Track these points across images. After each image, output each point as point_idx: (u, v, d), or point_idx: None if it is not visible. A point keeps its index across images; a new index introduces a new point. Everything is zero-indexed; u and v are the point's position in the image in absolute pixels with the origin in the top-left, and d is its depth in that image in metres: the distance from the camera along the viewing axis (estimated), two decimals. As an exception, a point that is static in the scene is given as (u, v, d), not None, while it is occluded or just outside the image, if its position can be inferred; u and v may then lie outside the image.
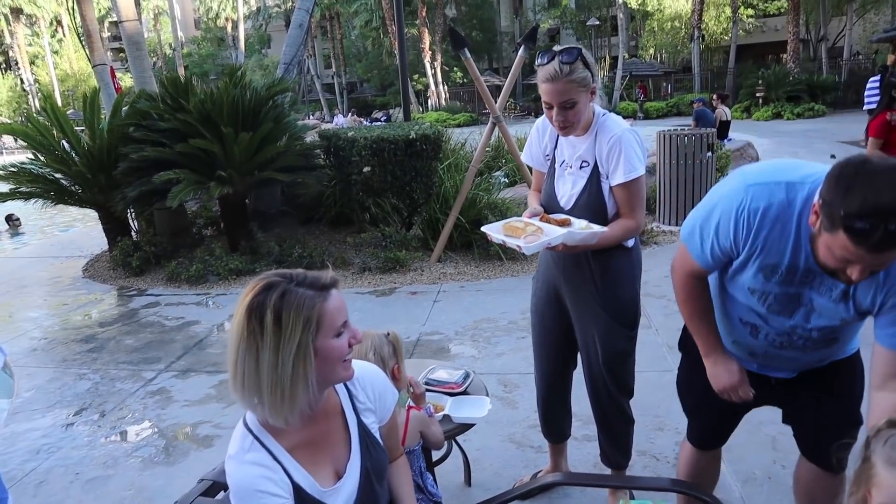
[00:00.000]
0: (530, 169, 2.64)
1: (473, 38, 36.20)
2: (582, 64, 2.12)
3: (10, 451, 3.35)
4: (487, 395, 2.57)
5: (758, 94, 23.24)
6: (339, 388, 1.46)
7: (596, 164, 2.25)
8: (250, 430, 1.31)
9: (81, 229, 10.45)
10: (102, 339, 4.97)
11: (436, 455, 2.73)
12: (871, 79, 13.06)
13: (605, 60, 33.65)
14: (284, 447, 1.31)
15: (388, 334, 2.08)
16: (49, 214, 10.89)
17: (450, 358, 4.22)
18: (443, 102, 32.06)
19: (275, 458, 1.30)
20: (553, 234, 2.11)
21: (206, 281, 6.23)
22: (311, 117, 26.70)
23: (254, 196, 7.67)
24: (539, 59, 2.16)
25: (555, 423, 2.71)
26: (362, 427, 1.47)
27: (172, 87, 6.34)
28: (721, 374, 1.84)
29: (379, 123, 19.77)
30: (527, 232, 2.17)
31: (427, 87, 33.66)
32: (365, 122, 24.47)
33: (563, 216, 2.24)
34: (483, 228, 2.40)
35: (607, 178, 2.25)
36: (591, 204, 2.27)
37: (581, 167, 2.29)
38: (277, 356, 1.21)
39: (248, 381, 1.24)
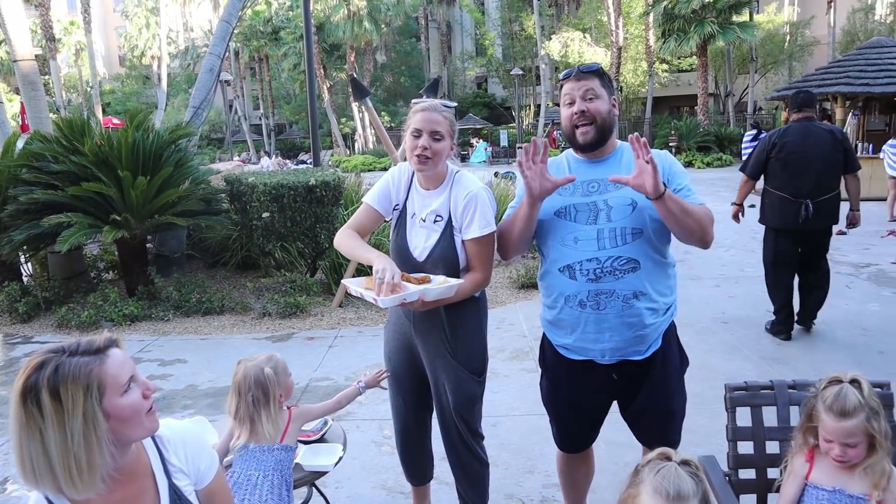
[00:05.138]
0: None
1: (402, 83, 36.82)
2: (454, 117, 2.34)
3: None
4: (345, 441, 2.60)
5: (671, 144, 24.45)
6: (150, 448, 1.44)
7: (450, 218, 2.36)
8: (50, 501, 1.28)
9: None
10: (-25, 390, 4.73)
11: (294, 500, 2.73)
12: (752, 133, 14.07)
13: (529, 108, 34.79)
14: None
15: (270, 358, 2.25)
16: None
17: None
18: (370, 146, 32.30)
19: None
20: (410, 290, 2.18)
21: (99, 327, 6.02)
22: (235, 158, 26.34)
23: (158, 239, 7.52)
24: (417, 99, 2.39)
25: (415, 467, 2.76)
26: (174, 489, 1.44)
27: (68, 129, 6.21)
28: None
29: (304, 165, 19.72)
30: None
31: (354, 130, 33.89)
32: (290, 164, 24.37)
33: (422, 275, 2.31)
34: (344, 281, 2.46)
35: (460, 231, 2.36)
36: (445, 257, 2.36)
37: (435, 221, 2.38)
38: (64, 431, 1.19)
39: (39, 466, 1.21)
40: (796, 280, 5.16)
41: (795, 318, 5.17)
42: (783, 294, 5.09)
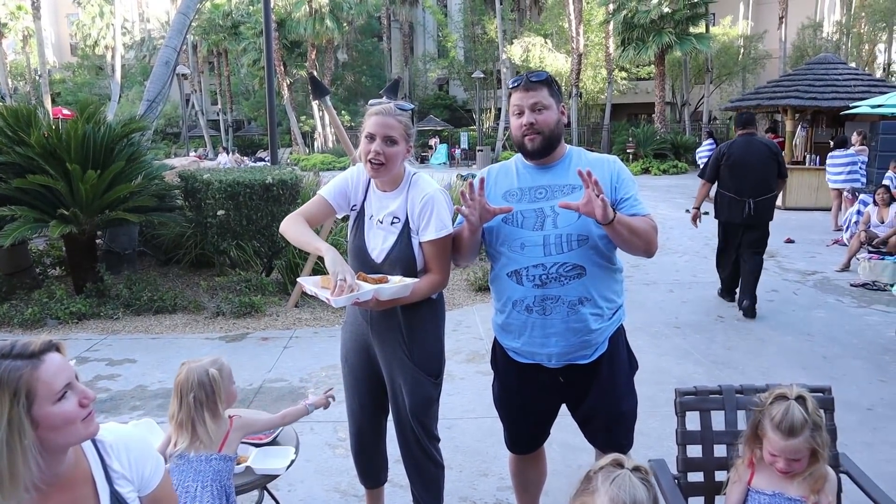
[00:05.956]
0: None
1: (363, 83, 36.59)
2: (410, 120, 2.32)
3: None
4: (298, 444, 2.57)
5: (629, 151, 24.88)
6: (91, 453, 1.39)
7: (407, 220, 2.35)
8: None
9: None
10: None
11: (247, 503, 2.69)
12: (707, 142, 14.46)
13: (490, 111, 34.96)
14: None
15: (215, 361, 2.20)
16: None
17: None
18: (329, 145, 32.00)
19: None
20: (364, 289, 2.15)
21: (43, 325, 5.83)
22: (192, 153, 25.79)
23: (108, 235, 7.31)
24: (375, 100, 2.35)
25: (369, 469, 2.73)
26: (115, 496, 1.40)
27: (13, 118, 5.99)
28: None
29: (262, 163, 19.42)
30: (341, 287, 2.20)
31: (314, 128, 33.54)
32: (248, 162, 23.98)
33: (380, 276, 2.29)
34: (300, 279, 2.43)
35: (417, 233, 2.35)
36: (402, 258, 2.35)
37: (392, 223, 2.37)
38: None
39: None
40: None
41: (736, 296, 6.30)
42: (727, 268, 6.40)
